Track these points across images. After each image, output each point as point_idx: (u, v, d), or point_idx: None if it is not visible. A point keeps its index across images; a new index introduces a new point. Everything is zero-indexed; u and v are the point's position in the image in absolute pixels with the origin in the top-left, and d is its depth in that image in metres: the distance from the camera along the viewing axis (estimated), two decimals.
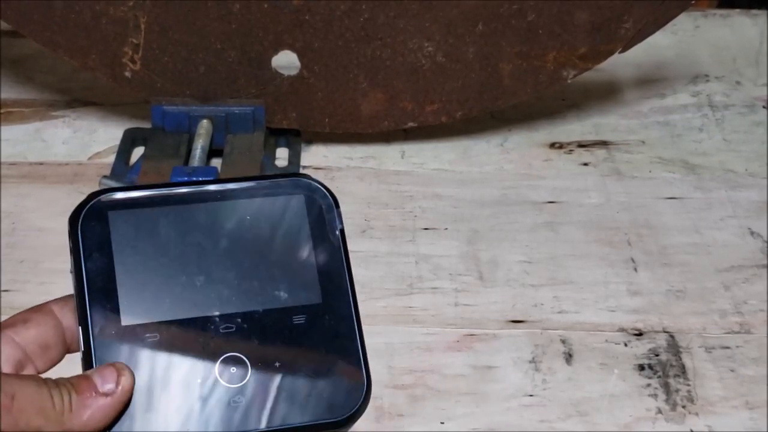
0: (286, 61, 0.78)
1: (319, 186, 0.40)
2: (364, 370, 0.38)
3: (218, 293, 0.38)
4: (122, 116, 0.84)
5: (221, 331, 0.38)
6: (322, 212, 0.40)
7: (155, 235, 0.38)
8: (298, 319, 0.39)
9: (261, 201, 0.40)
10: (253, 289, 0.39)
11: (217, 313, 0.38)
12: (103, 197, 0.39)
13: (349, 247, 0.73)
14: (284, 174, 0.41)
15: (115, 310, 0.37)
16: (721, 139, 0.84)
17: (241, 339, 0.38)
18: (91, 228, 0.38)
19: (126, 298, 0.37)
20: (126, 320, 0.37)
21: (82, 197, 0.80)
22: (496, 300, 0.68)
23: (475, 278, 0.69)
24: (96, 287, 0.37)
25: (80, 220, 0.38)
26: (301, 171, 0.79)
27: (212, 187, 0.40)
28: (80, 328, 0.37)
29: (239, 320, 0.38)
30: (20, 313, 0.39)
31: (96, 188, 0.71)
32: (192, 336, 0.37)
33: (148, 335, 0.37)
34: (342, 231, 0.40)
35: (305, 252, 0.39)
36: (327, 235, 0.40)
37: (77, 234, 0.38)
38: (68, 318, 0.39)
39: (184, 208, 0.39)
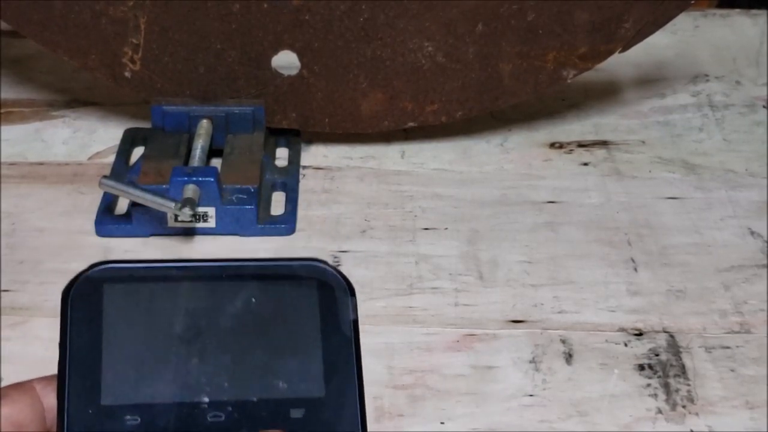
0: (286, 61, 0.78)
1: (335, 273, 0.38)
2: None
3: (210, 378, 0.36)
4: (122, 116, 0.84)
5: (209, 419, 0.35)
6: (335, 301, 0.38)
7: (151, 313, 0.36)
8: (296, 413, 0.36)
9: (270, 284, 0.38)
10: (249, 377, 0.36)
11: (206, 400, 0.35)
12: (100, 269, 0.37)
13: (349, 247, 0.73)
14: (299, 258, 0.39)
15: (96, 388, 0.35)
16: (721, 139, 0.84)
17: (231, 429, 0.35)
18: (83, 300, 0.37)
19: (109, 376, 0.35)
20: (106, 399, 0.35)
21: (83, 197, 0.80)
22: (496, 300, 0.68)
23: (475, 278, 0.69)
24: (78, 362, 0.36)
25: (71, 291, 0.37)
26: (301, 170, 0.79)
27: (219, 266, 0.38)
28: (58, 404, 0.35)
29: (230, 408, 0.35)
30: (2, 387, 0.37)
31: (96, 188, 0.71)
32: (176, 422, 0.35)
33: (128, 417, 0.35)
34: (355, 322, 0.37)
35: (312, 341, 0.37)
36: (338, 325, 0.37)
37: (66, 305, 0.36)
38: (51, 398, 0.37)
39: (187, 285, 0.37)
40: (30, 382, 0.37)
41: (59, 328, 0.36)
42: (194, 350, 0.36)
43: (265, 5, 0.75)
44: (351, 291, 0.38)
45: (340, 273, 0.38)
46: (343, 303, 0.37)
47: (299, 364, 0.36)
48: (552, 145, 0.83)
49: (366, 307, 0.66)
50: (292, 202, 0.75)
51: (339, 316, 0.37)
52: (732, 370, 0.63)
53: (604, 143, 0.83)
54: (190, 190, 0.69)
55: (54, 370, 0.62)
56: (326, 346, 0.37)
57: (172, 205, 0.68)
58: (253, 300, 0.37)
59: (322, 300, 0.37)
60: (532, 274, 0.70)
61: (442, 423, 0.59)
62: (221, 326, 0.37)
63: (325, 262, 0.38)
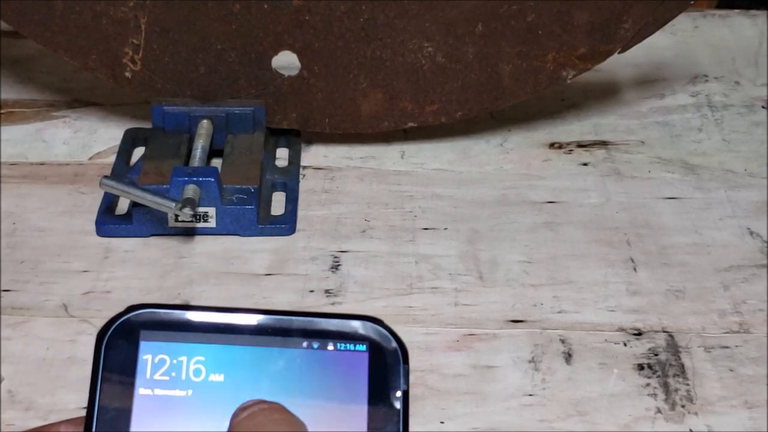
0: (286, 61, 0.78)
1: (390, 336, 0.35)
2: None
3: None
4: (123, 116, 0.84)
5: None
6: (386, 367, 0.35)
7: (188, 365, 0.34)
8: None
9: (318, 342, 0.35)
10: None
11: None
12: (139, 313, 0.35)
13: (349, 247, 0.73)
14: (353, 315, 0.36)
15: None
16: (720, 140, 0.84)
17: None
18: (118, 346, 0.34)
19: (139, 427, 0.34)
20: None
21: (83, 197, 0.80)
22: (495, 300, 0.68)
23: (475, 278, 0.69)
24: (108, 414, 0.34)
25: (107, 336, 0.34)
26: (301, 170, 0.79)
27: (265, 320, 0.35)
28: None
29: None
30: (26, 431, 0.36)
31: (97, 188, 0.71)
32: None
33: None
34: (405, 393, 0.34)
35: (356, 411, 0.34)
36: (387, 394, 0.34)
37: (100, 350, 0.34)
38: None
39: (228, 337, 0.35)
40: (57, 425, 0.36)
41: (91, 371, 0.34)
42: (229, 413, 0.34)
43: (266, 6, 0.75)
44: (405, 357, 0.35)
45: (396, 336, 0.36)
46: (395, 371, 0.35)
47: None
48: (551, 146, 0.83)
49: (366, 307, 0.67)
50: (292, 202, 0.75)
51: (389, 385, 0.35)
52: (731, 370, 0.63)
53: (603, 143, 0.83)
54: (191, 190, 0.69)
55: (53, 371, 0.63)
56: (372, 417, 0.34)
57: (173, 205, 0.68)
58: (298, 360, 0.35)
59: (373, 365, 0.35)
60: (531, 274, 0.70)
61: (441, 422, 0.59)
62: (261, 386, 0.34)
63: (381, 322, 0.36)
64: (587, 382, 0.62)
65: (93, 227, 0.72)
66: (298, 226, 0.74)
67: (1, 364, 0.62)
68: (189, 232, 0.72)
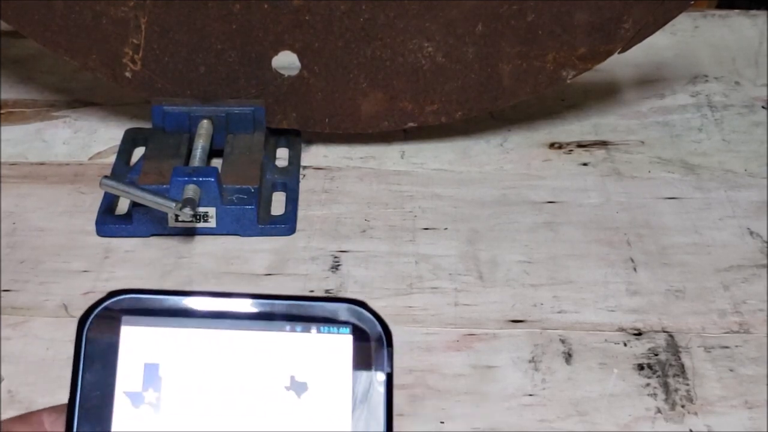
0: (286, 61, 0.78)
1: (374, 319, 0.35)
2: None
3: (229, 429, 0.33)
4: (123, 116, 0.84)
5: None
6: (370, 350, 0.34)
7: (170, 352, 0.34)
8: None
9: (301, 326, 0.35)
10: (272, 428, 0.33)
11: None
12: (121, 299, 0.34)
13: (349, 247, 0.73)
14: (336, 298, 0.36)
15: (106, 424, 0.33)
16: (720, 140, 0.84)
17: None
18: (99, 331, 0.34)
19: (121, 420, 0.33)
20: None
21: (83, 197, 0.80)
22: (495, 300, 0.68)
23: (475, 278, 0.69)
24: (89, 402, 0.33)
25: (88, 321, 0.34)
26: (301, 170, 0.79)
27: (248, 304, 0.35)
28: None
29: None
30: (6, 420, 0.35)
31: (97, 188, 0.71)
32: None
33: None
34: (389, 376, 0.34)
35: (340, 395, 0.34)
36: (371, 378, 0.34)
37: (82, 335, 0.34)
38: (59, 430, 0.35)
39: (211, 322, 0.34)
40: (39, 413, 0.36)
41: (72, 356, 0.34)
42: (214, 398, 0.34)
43: (266, 5, 0.75)
44: (389, 340, 0.35)
45: (380, 319, 0.35)
46: (379, 353, 0.34)
47: (326, 419, 0.34)
48: (551, 146, 0.83)
49: None
50: (292, 202, 0.75)
51: (372, 368, 0.34)
52: (731, 370, 0.63)
53: (603, 143, 0.83)
54: (191, 190, 0.69)
55: (53, 371, 0.63)
56: (356, 402, 0.34)
57: (173, 205, 0.68)
58: (282, 344, 0.34)
59: (356, 348, 0.34)
60: (531, 274, 0.70)
61: (442, 422, 0.59)
62: (243, 371, 0.34)
63: (364, 305, 0.35)
64: (587, 382, 0.62)
65: (93, 227, 0.72)
66: (298, 226, 0.74)
67: (1, 364, 0.62)
68: (189, 232, 0.72)
